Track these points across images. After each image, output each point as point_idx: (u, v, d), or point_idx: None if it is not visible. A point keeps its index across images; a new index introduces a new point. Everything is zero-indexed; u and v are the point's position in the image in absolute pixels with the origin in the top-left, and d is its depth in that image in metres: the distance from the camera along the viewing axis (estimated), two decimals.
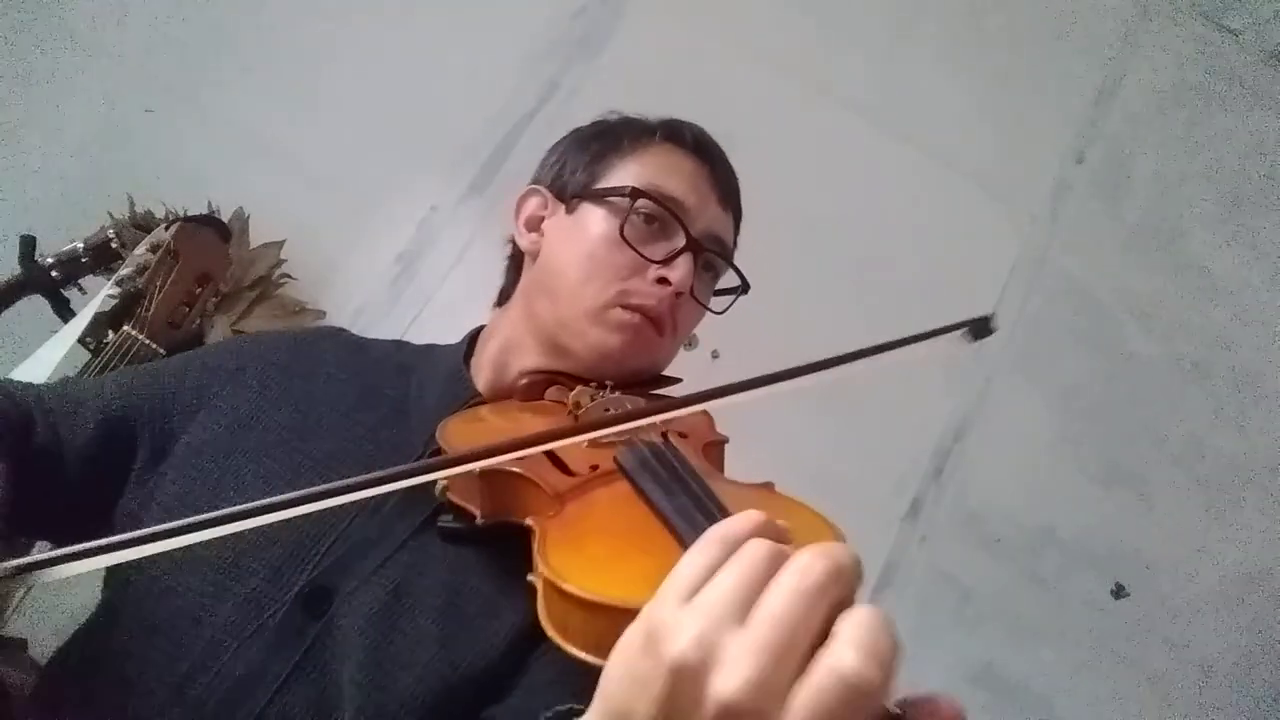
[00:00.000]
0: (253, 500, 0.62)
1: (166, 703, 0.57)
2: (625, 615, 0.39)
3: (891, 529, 1.64)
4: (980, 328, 0.56)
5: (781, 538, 0.35)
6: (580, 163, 0.80)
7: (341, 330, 0.83)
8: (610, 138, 0.81)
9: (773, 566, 0.33)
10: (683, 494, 0.50)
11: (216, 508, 0.61)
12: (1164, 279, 1.85)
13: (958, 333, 0.56)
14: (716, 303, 0.84)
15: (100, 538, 0.67)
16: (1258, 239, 1.90)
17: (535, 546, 0.47)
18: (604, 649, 0.39)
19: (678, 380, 0.81)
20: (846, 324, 1.71)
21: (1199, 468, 1.76)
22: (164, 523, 0.61)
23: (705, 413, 0.74)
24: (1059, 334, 1.79)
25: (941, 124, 1.83)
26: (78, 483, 0.64)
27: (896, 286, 1.74)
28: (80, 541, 0.70)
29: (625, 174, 0.77)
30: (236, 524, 0.43)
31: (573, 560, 0.45)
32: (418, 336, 0.84)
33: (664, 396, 0.78)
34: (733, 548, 0.34)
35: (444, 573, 0.60)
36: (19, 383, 0.68)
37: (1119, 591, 1.67)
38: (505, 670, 0.56)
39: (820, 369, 0.57)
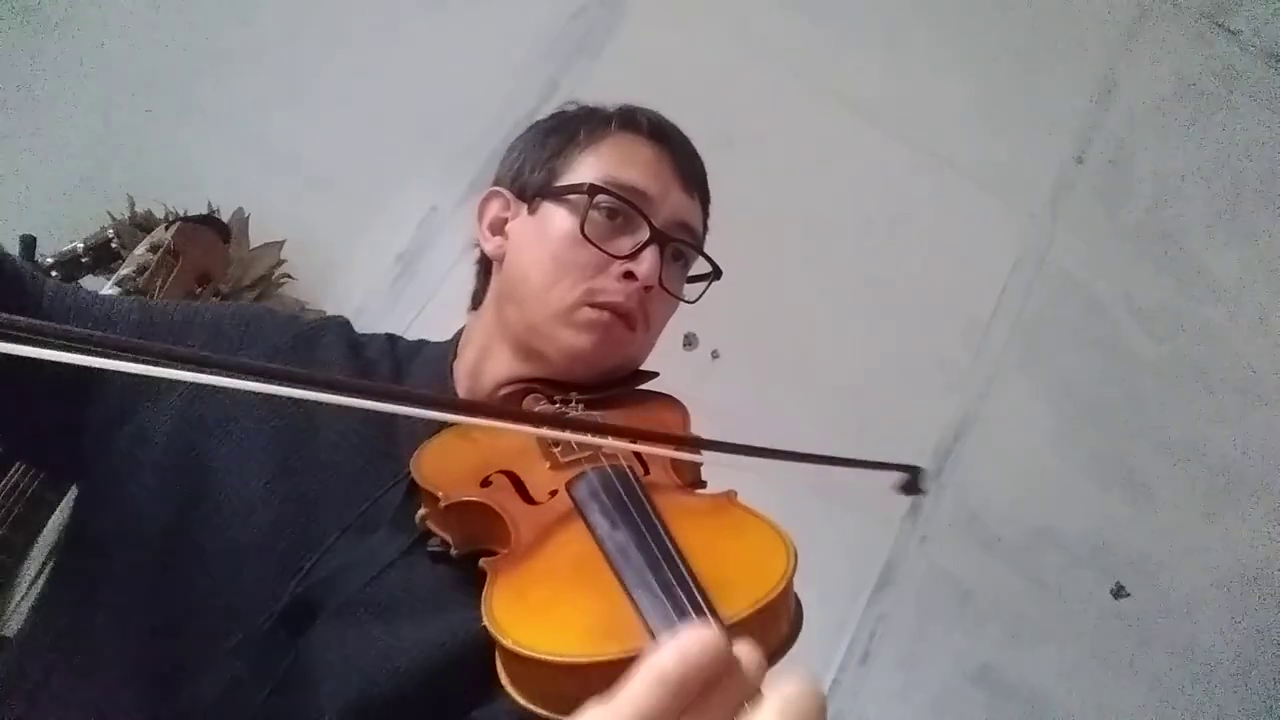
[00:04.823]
0: (240, 490, 0.62)
1: (143, 703, 0.57)
2: (559, 669, 0.40)
3: (891, 529, 1.64)
4: (911, 484, 0.57)
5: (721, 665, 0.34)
6: (538, 160, 0.78)
7: (345, 322, 0.81)
8: (567, 131, 0.78)
9: None
10: (624, 526, 0.49)
11: (203, 489, 0.61)
12: (1164, 279, 1.85)
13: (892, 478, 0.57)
14: (690, 291, 0.82)
15: (68, 463, 0.66)
16: (1258, 239, 1.90)
17: (483, 594, 0.47)
18: (544, 699, 0.41)
19: (655, 374, 0.80)
20: (845, 324, 1.71)
21: (1199, 468, 1.76)
22: (143, 479, 0.61)
23: (681, 411, 0.74)
24: (1059, 334, 1.79)
25: (941, 123, 1.83)
26: (37, 374, 0.61)
27: (896, 286, 1.75)
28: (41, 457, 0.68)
29: (583, 168, 0.75)
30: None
31: (513, 611, 0.45)
32: (417, 336, 0.84)
33: (646, 392, 0.77)
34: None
35: (429, 590, 0.59)
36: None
37: (1119, 591, 1.67)
38: (487, 672, 0.56)
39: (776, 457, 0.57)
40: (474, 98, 1.67)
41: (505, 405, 0.71)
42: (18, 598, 1.16)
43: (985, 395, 1.73)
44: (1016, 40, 1.90)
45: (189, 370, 0.41)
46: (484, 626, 0.45)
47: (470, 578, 0.55)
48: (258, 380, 0.43)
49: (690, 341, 1.62)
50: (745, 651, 0.34)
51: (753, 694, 0.33)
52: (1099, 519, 1.71)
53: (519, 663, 0.42)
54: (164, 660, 0.57)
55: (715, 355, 1.63)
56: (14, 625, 1.19)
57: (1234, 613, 1.69)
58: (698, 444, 0.63)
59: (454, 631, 0.56)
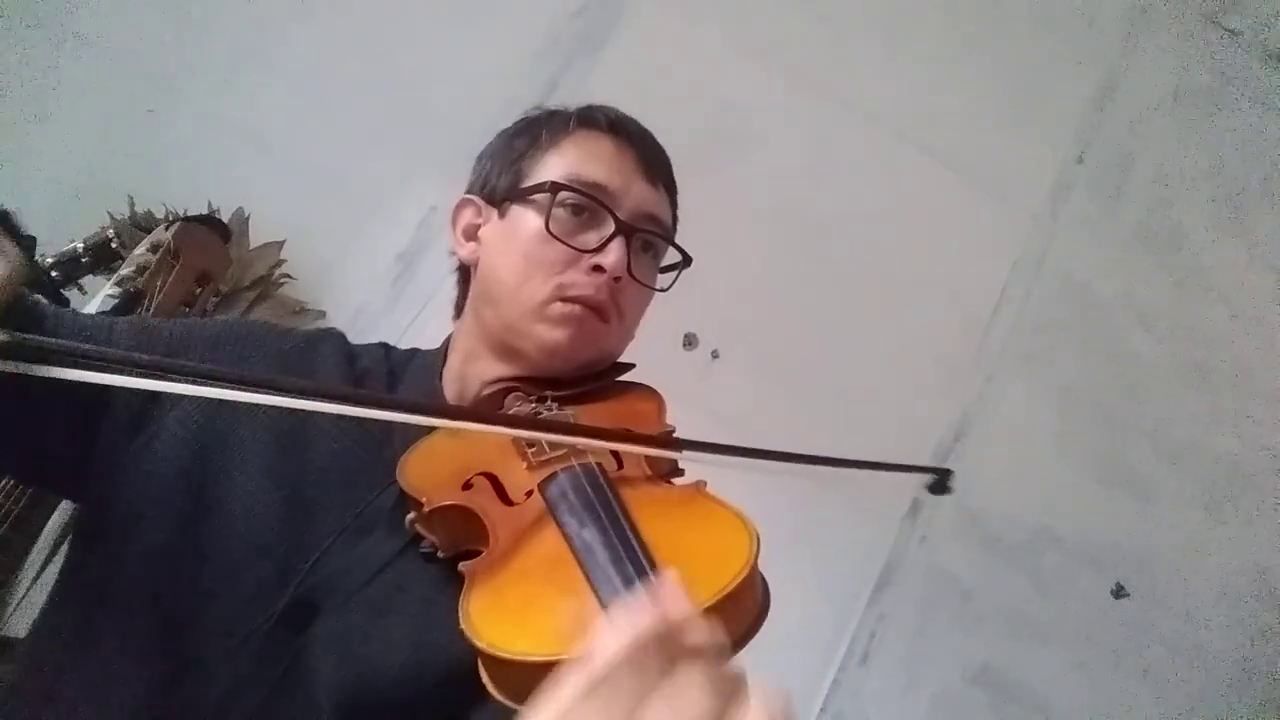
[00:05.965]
0: (243, 497, 0.62)
1: (149, 703, 0.57)
2: (532, 668, 0.41)
3: (891, 529, 1.64)
4: (940, 484, 0.58)
5: (673, 629, 0.35)
6: (504, 165, 0.80)
7: (340, 334, 0.83)
8: (530, 135, 0.80)
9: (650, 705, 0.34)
10: (592, 524, 0.51)
11: (208, 497, 0.62)
12: (1164, 279, 1.85)
13: (920, 479, 0.59)
14: (663, 280, 0.83)
15: (71, 481, 0.67)
16: (1258, 239, 1.90)
17: (461, 598, 0.49)
18: (521, 697, 0.42)
19: (631, 366, 0.81)
20: (846, 324, 1.71)
21: (1199, 468, 1.76)
22: (150, 490, 0.62)
23: (655, 400, 0.76)
24: (1059, 334, 1.79)
25: (941, 124, 1.83)
26: (48, 401, 0.63)
27: (896, 286, 1.75)
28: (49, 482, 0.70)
29: (546, 168, 0.76)
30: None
31: (488, 614, 0.47)
32: (418, 336, 0.85)
33: (622, 384, 0.79)
34: (608, 680, 0.34)
35: (423, 589, 0.61)
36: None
37: (1119, 591, 1.67)
38: (477, 679, 0.57)
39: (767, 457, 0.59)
40: (474, 98, 1.67)
41: (478, 409, 0.72)
42: (18, 598, 1.17)
43: (985, 395, 1.73)
44: (1016, 40, 1.90)
45: (201, 385, 0.43)
46: (462, 629, 0.46)
47: (460, 578, 0.57)
48: (259, 392, 0.44)
49: (690, 341, 1.62)
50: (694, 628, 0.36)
51: (688, 656, 0.34)
52: (1099, 519, 1.71)
53: (496, 664, 0.44)
54: (168, 661, 0.58)
55: (715, 355, 1.63)
56: (14, 625, 1.20)
57: (1234, 613, 1.69)
58: (688, 447, 0.65)
59: (447, 632, 0.57)
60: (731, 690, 0.34)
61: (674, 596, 0.36)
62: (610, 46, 1.74)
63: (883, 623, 1.59)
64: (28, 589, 1.15)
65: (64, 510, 1.14)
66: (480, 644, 0.44)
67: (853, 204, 1.76)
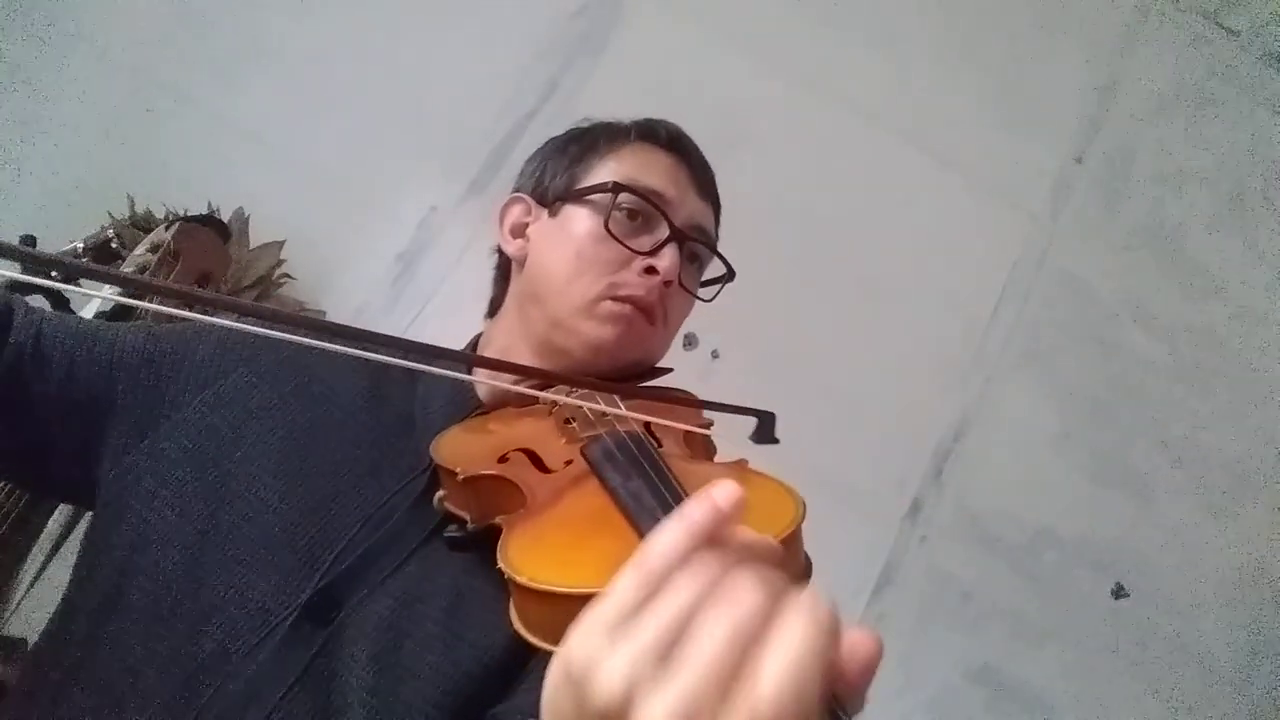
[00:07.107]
0: (258, 491, 0.63)
1: (168, 703, 0.57)
2: (571, 600, 0.39)
3: (891, 529, 1.64)
4: (762, 432, 0.61)
5: (727, 519, 0.35)
6: (560, 167, 0.81)
7: None
8: (587, 141, 0.82)
9: (703, 598, 0.32)
10: (638, 478, 0.51)
11: (222, 494, 0.62)
12: (1164, 279, 1.85)
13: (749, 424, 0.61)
14: (705, 292, 0.86)
15: (80, 486, 0.68)
16: (1258, 239, 1.90)
17: (499, 543, 0.48)
18: (557, 637, 0.40)
19: (669, 370, 0.82)
20: (845, 324, 1.71)
21: (1199, 468, 1.76)
22: (163, 492, 0.62)
23: (691, 400, 0.77)
24: (1059, 334, 1.79)
25: (941, 124, 1.83)
26: (49, 410, 0.65)
27: (896, 286, 1.74)
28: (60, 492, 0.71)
29: (604, 172, 0.78)
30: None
31: (527, 553, 0.46)
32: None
33: (656, 388, 0.80)
34: (663, 575, 0.33)
35: (450, 578, 0.61)
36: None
37: (1119, 591, 1.67)
38: (509, 668, 0.57)
39: None
40: (474, 98, 1.67)
41: (526, 365, 0.74)
42: (18, 597, 1.17)
43: (985, 395, 1.73)
44: (1017, 40, 1.90)
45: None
46: (499, 569, 0.45)
47: (487, 562, 0.56)
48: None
49: (690, 341, 1.62)
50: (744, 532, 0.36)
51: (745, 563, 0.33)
52: (1099, 519, 1.71)
53: (534, 600, 0.43)
54: (188, 662, 0.58)
55: (715, 355, 1.63)
56: (14, 625, 1.20)
57: (1234, 613, 1.69)
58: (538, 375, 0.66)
59: (477, 625, 0.57)
60: (781, 591, 0.33)
61: (726, 492, 0.35)
62: (611, 47, 1.74)
63: (883, 623, 1.58)
64: (28, 589, 1.15)
65: (64, 510, 1.14)
66: (521, 579, 0.43)
67: (853, 204, 1.76)
